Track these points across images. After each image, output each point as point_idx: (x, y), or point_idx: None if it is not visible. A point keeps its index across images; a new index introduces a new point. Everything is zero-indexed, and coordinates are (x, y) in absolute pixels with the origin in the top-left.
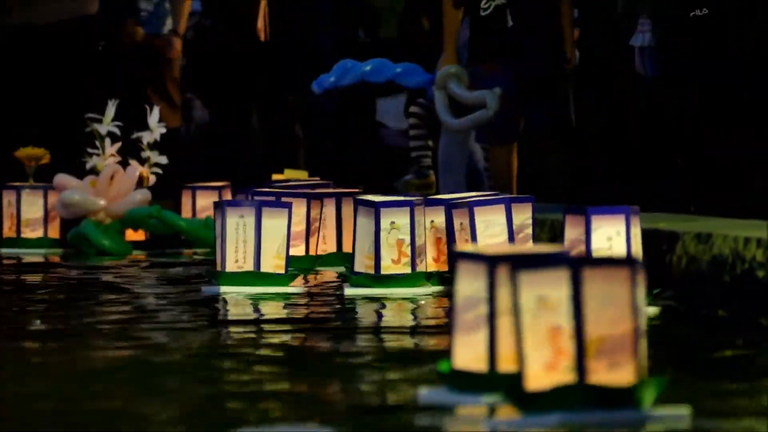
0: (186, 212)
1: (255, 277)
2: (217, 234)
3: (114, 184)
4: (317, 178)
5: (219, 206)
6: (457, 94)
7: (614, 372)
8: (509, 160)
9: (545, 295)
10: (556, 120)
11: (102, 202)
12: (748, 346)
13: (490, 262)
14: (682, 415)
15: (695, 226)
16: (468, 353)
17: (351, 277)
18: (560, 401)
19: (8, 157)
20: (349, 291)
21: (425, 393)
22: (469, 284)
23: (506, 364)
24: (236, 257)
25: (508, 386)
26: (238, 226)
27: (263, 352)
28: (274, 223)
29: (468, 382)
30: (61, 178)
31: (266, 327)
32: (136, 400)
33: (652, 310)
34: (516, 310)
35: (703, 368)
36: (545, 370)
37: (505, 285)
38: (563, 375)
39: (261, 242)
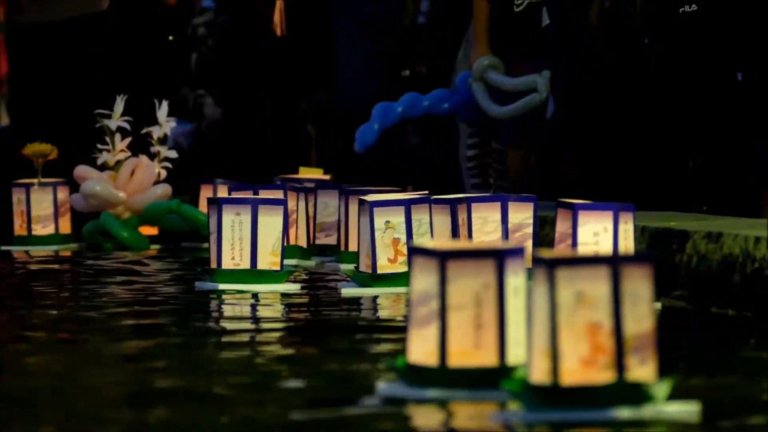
0: (204, 206)
1: (252, 274)
2: (211, 231)
3: (134, 179)
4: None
5: (214, 203)
6: (501, 82)
7: (643, 369)
8: (525, 161)
9: (583, 291)
10: (584, 123)
11: (122, 196)
12: (759, 346)
13: (441, 257)
14: (692, 411)
15: (706, 225)
16: (421, 348)
17: (355, 275)
18: (600, 397)
19: (17, 155)
20: (345, 290)
21: (383, 387)
22: (423, 279)
23: (457, 359)
24: (232, 255)
25: (525, 381)
26: (233, 223)
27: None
28: (269, 220)
29: (420, 377)
30: (81, 170)
31: (243, 323)
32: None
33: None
34: (551, 306)
35: (712, 367)
36: (582, 366)
37: (455, 280)
38: (601, 371)
39: (257, 239)
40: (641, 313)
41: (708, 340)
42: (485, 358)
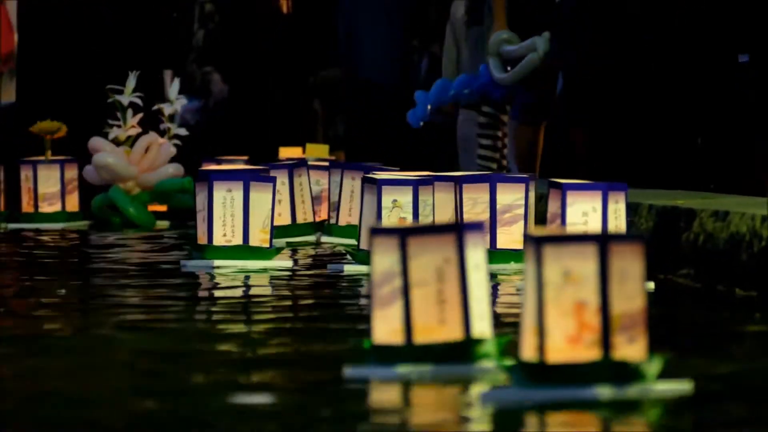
0: None
1: (244, 251)
2: (199, 207)
3: (148, 156)
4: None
5: (203, 179)
6: (508, 51)
7: (631, 347)
8: (534, 140)
9: (570, 269)
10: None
11: (134, 171)
12: (764, 324)
13: (401, 235)
14: (683, 389)
15: (713, 204)
16: (385, 327)
17: (357, 253)
18: (585, 375)
19: (26, 132)
20: (349, 268)
21: (350, 369)
22: (384, 259)
23: (422, 336)
24: (224, 231)
25: (516, 358)
26: (225, 200)
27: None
28: (259, 197)
29: (387, 356)
30: (96, 142)
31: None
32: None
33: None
34: (539, 284)
35: (717, 345)
36: (568, 343)
37: (417, 256)
38: (586, 349)
39: (249, 216)
40: (630, 291)
41: (714, 319)
42: (450, 332)
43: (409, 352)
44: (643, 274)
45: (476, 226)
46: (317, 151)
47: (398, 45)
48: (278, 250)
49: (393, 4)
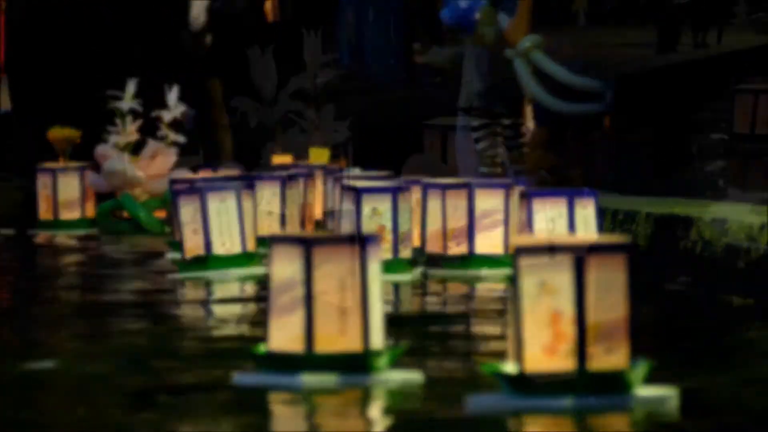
0: None
1: (243, 258)
2: (186, 219)
3: (155, 162)
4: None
5: (193, 192)
6: (559, 75)
7: (610, 356)
8: (546, 144)
9: (546, 280)
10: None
11: (143, 177)
12: (761, 331)
13: (306, 245)
14: (668, 396)
15: (710, 212)
16: (284, 335)
17: None
18: (561, 385)
19: (40, 138)
20: None
21: (239, 376)
22: (285, 267)
23: (322, 345)
24: (222, 240)
25: (497, 368)
26: (220, 210)
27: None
28: (247, 207)
29: (284, 363)
30: (103, 149)
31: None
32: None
33: None
34: (516, 295)
35: (715, 351)
36: (544, 353)
37: (321, 266)
38: (563, 359)
39: (244, 225)
40: (611, 302)
41: (711, 326)
42: (350, 343)
43: (309, 360)
44: (626, 284)
45: (375, 239)
46: (319, 156)
47: (401, 49)
48: (262, 257)
49: (396, 8)
